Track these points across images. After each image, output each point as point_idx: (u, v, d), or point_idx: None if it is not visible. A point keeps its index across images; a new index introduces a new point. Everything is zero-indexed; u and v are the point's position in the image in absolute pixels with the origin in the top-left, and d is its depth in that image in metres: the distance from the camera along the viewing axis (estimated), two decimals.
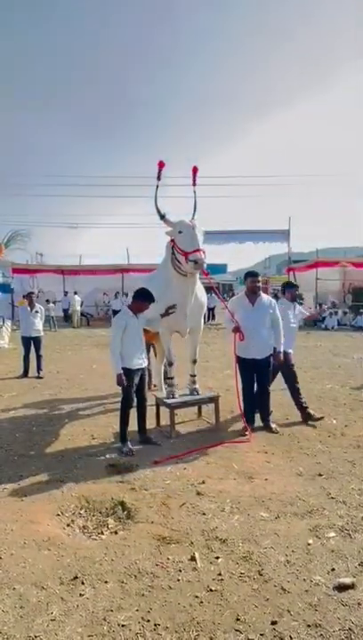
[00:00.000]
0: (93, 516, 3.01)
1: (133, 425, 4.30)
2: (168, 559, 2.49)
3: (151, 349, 6.09)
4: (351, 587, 2.23)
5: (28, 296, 8.31)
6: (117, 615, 2.08)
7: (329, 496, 3.20)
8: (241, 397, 4.71)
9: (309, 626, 2.01)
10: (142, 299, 4.17)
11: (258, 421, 4.74)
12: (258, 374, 4.63)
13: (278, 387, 5.93)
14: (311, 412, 4.92)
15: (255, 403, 4.72)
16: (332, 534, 2.71)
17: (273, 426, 4.62)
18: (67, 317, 19.22)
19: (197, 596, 2.19)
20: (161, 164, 4.60)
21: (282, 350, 4.62)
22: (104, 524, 2.90)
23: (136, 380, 4.18)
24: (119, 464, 3.80)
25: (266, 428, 4.62)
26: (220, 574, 2.35)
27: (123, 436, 4.16)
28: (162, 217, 4.42)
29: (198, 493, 3.25)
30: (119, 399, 4.32)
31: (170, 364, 4.85)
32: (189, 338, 4.94)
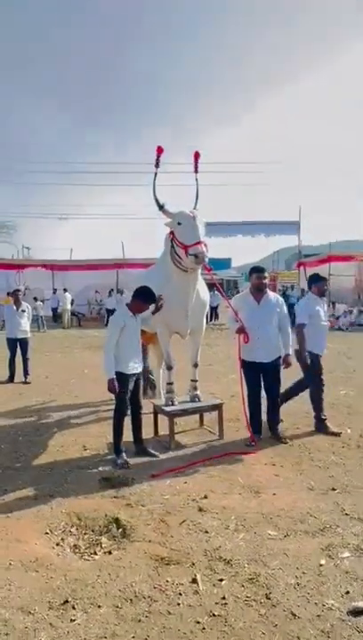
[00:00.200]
0: (85, 534, 3.01)
1: (128, 435, 4.30)
2: (167, 581, 2.49)
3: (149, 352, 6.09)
4: None
5: (14, 294, 8.33)
6: None
7: (343, 512, 3.20)
8: (246, 404, 4.72)
9: None
10: (144, 298, 4.17)
11: (266, 431, 4.73)
12: (265, 379, 4.63)
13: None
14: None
15: (261, 410, 4.73)
16: (346, 554, 2.71)
17: (282, 433, 4.63)
18: (56, 317, 19.23)
19: (198, 622, 2.19)
20: (160, 150, 4.61)
21: (290, 353, 4.61)
22: (97, 543, 2.90)
23: (131, 385, 4.19)
24: (114, 477, 3.80)
25: (275, 437, 4.63)
26: (224, 598, 2.35)
27: (117, 447, 4.16)
28: (161, 207, 4.42)
29: (200, 509, 3.26)
30: (113, 407, 4.32)
31: (169, 367, 4.86)
32: (190, 339, 4.94)
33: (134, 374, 4.20)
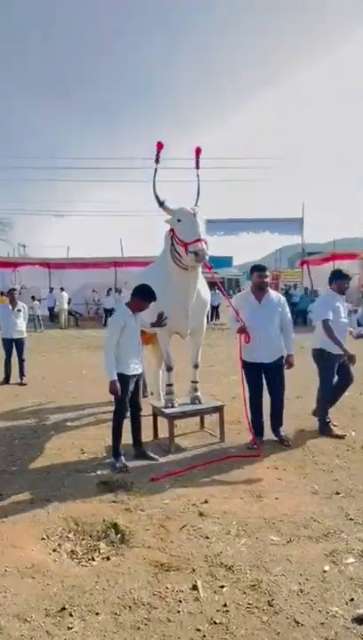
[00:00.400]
0: (83, 539, 3.01)
1: (127, 438, 4.30)
2: (167, 588, 2.49)
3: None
4: None
5: (10, 293, 8.32)
6: None
7: (348, 517, 3.20)
8: (248, 406, 4.72)
9: None
10: (143, 296, 4.16)
11: (267, 434, 4.73)
12: (268, 380, 4.63)
13: (291, 394, 5.93)
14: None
15: (263, 412, 4.72)
16: (351, 560, 2.71)
17: (284, 436, 4.62)
18: (53, 316, 19.23)
19: (199, 630, 2.19)
20: (160, 146, 4.62)
21: (292, 353, 4.60)
22: (95, 548, 2.90)
23: (131, 387, 4.19)
24: (112, 481, 3.80)
25: (277, 439, 4.62)
26: (225, 605, 2.35)
27: (116, 450, 4.16)
28: (161, 204, 4.43)
29: (201, 514, 3.26)
30: (112, 408, 4.32)
31: (169, 368, 4.86)
32: (191, 339, 4.94)
33: (135, 375, 4.21)
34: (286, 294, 16.59)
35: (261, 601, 2.37)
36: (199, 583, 2.50)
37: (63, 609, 2.33)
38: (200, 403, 4.87)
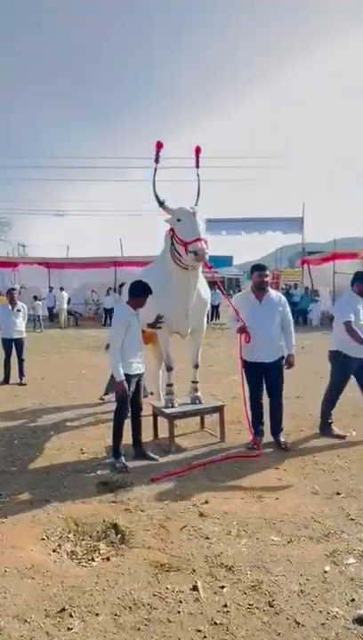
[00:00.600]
0: (83, 540, 3.01)
1: (127, 438, 4.30)
2: (167, 589, 2.49)
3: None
4: None
5: (9, 293, 8.32)
6: None
7: (348, 517, 3.20)
8: (248, 406, 4.72)
9: None
10: (140, 293, 4.18)
11: (268, 435, 4.73)
12: (267, 380, 4.63)
13: (292, 394, 5.94)
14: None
15: (264, 412, 4.72)
16: (351, 560, 2.71)
17: (284, 442, 4.57)
18: (52, 316, 19.23)
19: (199, 631, 2.19)
20: (159, 145, 4.62)
21: (293, 353, 4.60)
22: (95, 549, 2.90)
23: (133, 387, 4.20)
24: (112, 482, 3.80)
25: (276, 444, 4.59)
26: (225, 606, 2.35)
27: (116, 450, 4.16)
28: (161, 203, 4.43)
29: (201, 515, 3.26)
30: (112, 408, 4.32)
31: (169, 368, 4.86)
32: (191, 339, 4.94)
33: (137, 375, 4.21)
34: (287, 294, 16.60)
35: (261, 601, 2.38)
36: (200, 584, 2.51)
37: (63, 609, 2.33)
38: (200, 403, 4.87)
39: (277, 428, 4.66)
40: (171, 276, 4.51)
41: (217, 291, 14.26)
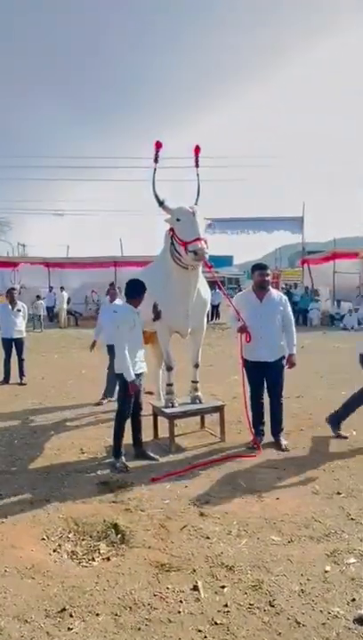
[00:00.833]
0: (83, 540, 3.01)
1: (127, 437, 4.30)
2: (167, 589, 2.48)
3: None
4: None
5: (9, 292, 8.32)
6: None
7: (349, 517, 3.20)
8: (249, 406, 4.71)
9: None
10: (138, 292, 4.20)
11: (268, 435, 4.72)
12: (268, 379, 4.62)
13: (292, 394, 5.94)
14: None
15: (264, 412, 4.72)
16: (352, 560, 2.70)
17: (284, 443, 4.56)
18: (51, 316, 19.23)
19: (200, 631, 2.19)
20: (158, 145, 4.62)
21: (294, 353, 4.59)
22: (95, 549, 2.90)
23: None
24: (112, 482, 3.80)
25: (276, 444, 4.58)
26: (226, 605, 2.35)
27: (117, 449, 4.16)
28: (161, 203, 4.43)
29: (201, 514, 3.25)
30: (112, 408, 4.32)
31: (169, 368, 4.85)
32: (191, 339, 4.94)
33: (139, 374, 4.22)
34: (287, 293, 16.60)
35: (262, 601, 2.37)
36: (200, 583, 2.50)
37: (63, 610, 2.33)
38: (200, 402, 4.87)
39: (277, 428, 4.66)
40: (171, 275, 4.51)
41: (217, 290, 14.26)
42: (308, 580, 2.54)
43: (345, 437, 4.76)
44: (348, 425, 5.17)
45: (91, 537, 3.03)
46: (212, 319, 17.56)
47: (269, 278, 4.64)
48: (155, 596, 2.43)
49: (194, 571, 2.63)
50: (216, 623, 2.23)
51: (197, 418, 5.14)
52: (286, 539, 2.94)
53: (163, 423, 4.80)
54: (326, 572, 2.60)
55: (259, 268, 4.64)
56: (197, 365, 5.00)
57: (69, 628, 2.21)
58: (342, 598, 2.39)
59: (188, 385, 5.04)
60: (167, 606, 2.35)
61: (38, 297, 17.68)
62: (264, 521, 3.15)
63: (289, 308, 4.68)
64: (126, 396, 4.13)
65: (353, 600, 2.37)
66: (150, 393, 6.11)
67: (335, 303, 18.05)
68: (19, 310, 8.10)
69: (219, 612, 2.31)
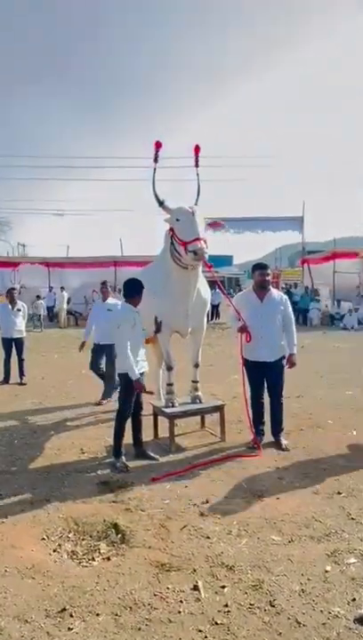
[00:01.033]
0: (83, 540, 3.01)
1: (127, 437, 4.30)
2: (168, 588, 2.48)
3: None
4: None
5: (9, 292, 8.31)
6: None
7: (349, 517, 3.19)
8: (249, 405, 4.71)
9: None
10: (136, 291, 4.21)
11: (268, 435, 4.72)
12: (269, 379, 4.62)
13: (292, 394, 5.94)
14: None
15: (264, 412, 4.71)
16: (352, 560, 2.70)
17: (284, 443, 4.55)
18: (51, 316, 19.24)
19: (200, 630, 2.19)
20: (158, 145, 4.61)
21: (294, 353, 4.59)
22: (95, 549, 2.90)
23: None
24: (112, 481, 3.80)
25: (276, 444, 4.58)
26: (226, 605, 2.35)
27: (118, 449, 4.16)
28: (161, 203, 4.42)
29: (202, 514, 3.25)
30: (112, 408, 4.32)
31: (169, 368, 4.85)
32: (191, 339, 4.94)
33: (141, 374, 4.22)
34: (287, 293, 16.60)
35: (262, 601, 2.37)
36: (200, 583, 2.50)
37: (64, 610, 2.32)
38: (201, 402, 4.87)
39: (277, 427, 4.66)
40: (171, 275, 4.51)
41: (217, 290, 14.26)
42: (308, 579, 2.54)
43: None
44: (348, 425, 5.18)
45: (91, 537, 3.03)
46: (212, 319, 17.56)
47: (269, 278, 4.64)
48: (155, 595, 2.43)
49: (194, 570, 2.63)
50: (217, 623, 2.23)
51: (198, 418, 5.14)
52: (287, 538, 2.94)
53: (163, 423, 4.80)
54: (326, 571, 2.60)
55: (259, 267, 4.63)
56: (197, 365, 5.00)
57: (70, 628, 2.21)
58: (342, 598, 2.39)
59: (188, 385, 5.04)
60: (167, 606, 2.35)
61: (38, 297, 17.67)
62: (264, 521, 3.15)
63: (290, 308, 4.67)
64: (128, 395, 4.13)
65: (354, 600, 2.37)
66: (151, 392, 6.12)
67: (335, 303, 18.05)
68: (19, 310, 8.10)
69: (219, 611, 2.31)
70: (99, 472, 4.01)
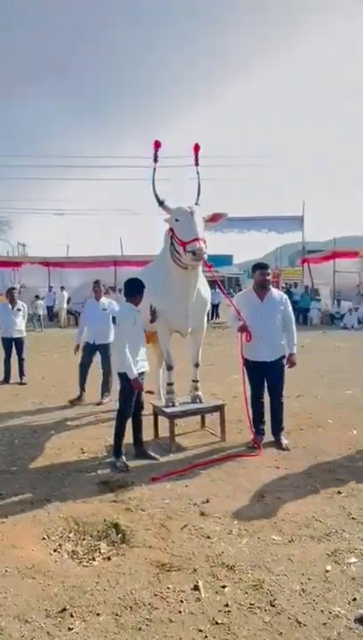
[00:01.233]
0: (84, 539, 3.00)
1: (127, 437, 4.30)
2: (168, 588, 2.48)
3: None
4: None
5: (9, 292, 8.31)
6: None
7: (350, 516, 3.19)
8: (249, 405, 4.71)
9: None
10: (137, 290, 4.21)
11: (268, 434, 4.72)
12: (269, 379, 4.62)
13: (292, 394, 5.93)
14: None
15: (264, 411, 4.71)
16: (353, 560, 2.70)
17: (284, 442, 4.55)
18: (51, 316, 19.23)
19: (201, 630, 2.19)
20: (157, 144, 4.60)
21: (294, 352, 4.59)
22: (96, 548, 2.90)
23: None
24: (112, 481, 3.80)
25: (276, 443, 4.58)
26: (227, 605, 2.34)
27: (118, 449, 4.16)
28: (161, 203, 4.42)
29: (202, 514, 3.25)
30: (112, 408, 4.32)
31: (169, 367, 4.85)
32: (191, 338, 4.93)
33: (141, 373, 4.21)
34: (287, 293, 16.60)
35: (263, 601, 2.37)
36: (201, 583, 2.50)
37: (64, 609, 2.32)
38: (201, 402, 4.86)
39: (277, 427, 4.65)
40: (170, 275, 4.51)
41: (217, 290, 14.25)
42: (309, 579, 2.54)
43: None
44: (348, 424, 5.18)
45: (91, 536, 3.03)
46: (212, 318, 17.55)
47: (269, 277, 4.63)
48: (155, 595, 2.43)
49: (195, 570, 2.63)
50: (217, 623, 2.23)
51: (198, 417, 5.14)
52: (287, 538, 2.94)
53: (163, 422, 4.79)
54: (327, 571, 2.60)
55: (260, 267, 4.63)
56: (197, 365, 4.99)
57: (70, 628, 2.20)
58: (343, 598, 2.39)
59: (188, 384, 5.04)
60: (168, 606, 2.35)
61: (37, 297, 17.66)
62: (265, 520, 3.15)
63: (290, 308, 4.67)
64: (128, 395, 4.13)
65: (354, 600, 2.37)
66: (151, 392, 6.12)
67: (335, 302, 18.05)
68: (19, 310, 8.10)
69: (220, 611, 2.30)
70: (99, 472, 4.01)
